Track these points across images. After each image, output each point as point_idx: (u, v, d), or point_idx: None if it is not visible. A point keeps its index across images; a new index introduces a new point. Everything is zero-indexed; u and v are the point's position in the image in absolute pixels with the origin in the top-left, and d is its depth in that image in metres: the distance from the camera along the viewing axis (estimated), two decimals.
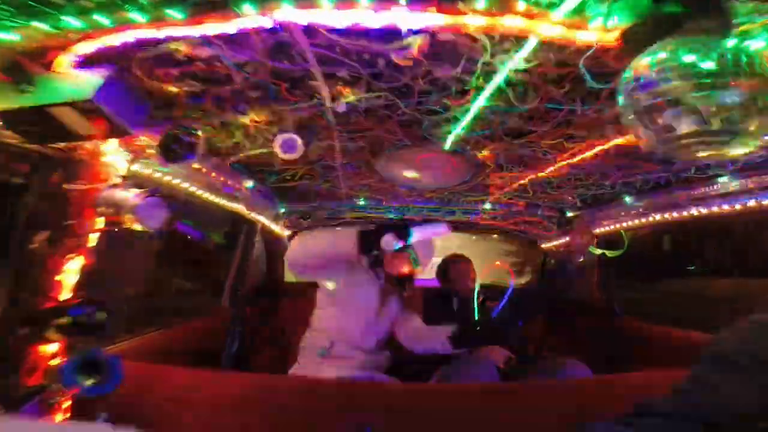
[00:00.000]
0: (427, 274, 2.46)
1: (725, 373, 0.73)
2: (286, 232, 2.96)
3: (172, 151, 1.06)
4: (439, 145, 1.44)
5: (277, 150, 1.22)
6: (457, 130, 1.27)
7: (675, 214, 1.95)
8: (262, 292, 2.90)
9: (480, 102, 1.05)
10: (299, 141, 1.21)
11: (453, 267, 2.42)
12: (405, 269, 1.94)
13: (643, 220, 2.16)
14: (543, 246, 3.05)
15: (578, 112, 1.10)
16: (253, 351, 2.58)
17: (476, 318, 1.92)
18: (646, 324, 2.34)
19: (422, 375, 2.03)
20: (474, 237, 3.83)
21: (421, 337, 1.94)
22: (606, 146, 1.41)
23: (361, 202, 2.57)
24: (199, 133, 1.13)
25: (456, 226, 3.09)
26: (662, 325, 2.22)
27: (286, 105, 1.13)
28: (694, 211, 1.84)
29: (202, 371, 1.58)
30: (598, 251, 2.20)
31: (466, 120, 1.17)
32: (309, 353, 1.99)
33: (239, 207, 2.15)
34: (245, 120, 1.25)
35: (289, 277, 3.23)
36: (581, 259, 2.11)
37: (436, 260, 2.49)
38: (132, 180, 1.35)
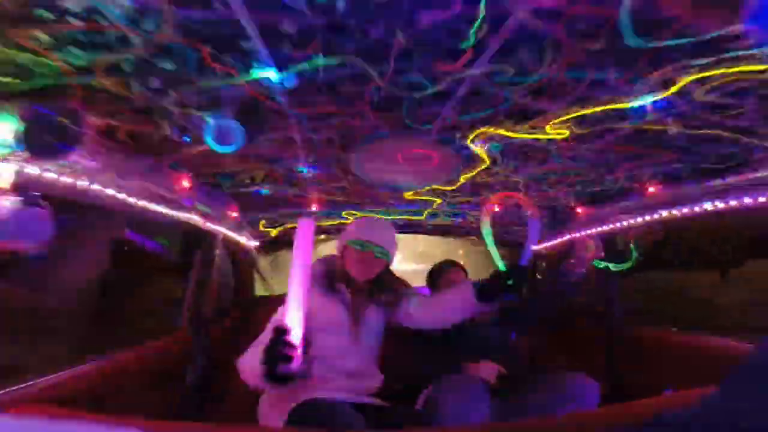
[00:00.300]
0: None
1: (759, 384, 0.63)
2: (253, 243, 2.66)
3: (40, 139, 0.74)
4: (423, 133, 1.15)
5: (209, 141, 0.91)
6: (446, 111, 0.98)
7: (686, 210, 1.76)
8: (231, 309, 2.59)
9: (480, 66, 0.77)
10: (238, 129, 0.90)
11: (443, 275, 2.15)
12: (376, 270, 1.68)
13: (648, 218, 1.97)
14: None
15: (608, 83, 0.83)
16: (220, 376, 2.23)
17: (502, 270, 1.59)
18: (649, 330, 2.16)
19: (409, 396, 1.80)
20: (460, 241, 3.60)
21: (437, 306, 1.70)
22: (624, 130, 1.16)
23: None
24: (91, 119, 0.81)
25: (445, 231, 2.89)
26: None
27: (213, 78, 0.82)
28: (708, 206, 1.66)
29: (144, 422, 1.19)
30: (602, 265, 1.96)
31: (459, 94, 0.88)
32: None
33: (194, 218, 1.83)
34: (166, 104, 0.94)
35: (261, 290, 2.95)
36: (582, 270, 1.87)
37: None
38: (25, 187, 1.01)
